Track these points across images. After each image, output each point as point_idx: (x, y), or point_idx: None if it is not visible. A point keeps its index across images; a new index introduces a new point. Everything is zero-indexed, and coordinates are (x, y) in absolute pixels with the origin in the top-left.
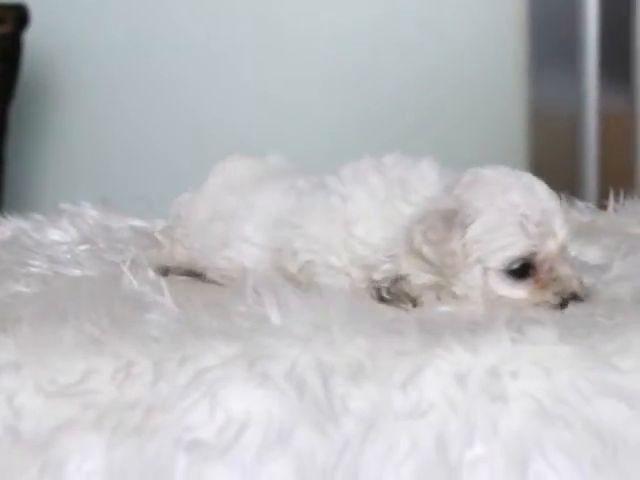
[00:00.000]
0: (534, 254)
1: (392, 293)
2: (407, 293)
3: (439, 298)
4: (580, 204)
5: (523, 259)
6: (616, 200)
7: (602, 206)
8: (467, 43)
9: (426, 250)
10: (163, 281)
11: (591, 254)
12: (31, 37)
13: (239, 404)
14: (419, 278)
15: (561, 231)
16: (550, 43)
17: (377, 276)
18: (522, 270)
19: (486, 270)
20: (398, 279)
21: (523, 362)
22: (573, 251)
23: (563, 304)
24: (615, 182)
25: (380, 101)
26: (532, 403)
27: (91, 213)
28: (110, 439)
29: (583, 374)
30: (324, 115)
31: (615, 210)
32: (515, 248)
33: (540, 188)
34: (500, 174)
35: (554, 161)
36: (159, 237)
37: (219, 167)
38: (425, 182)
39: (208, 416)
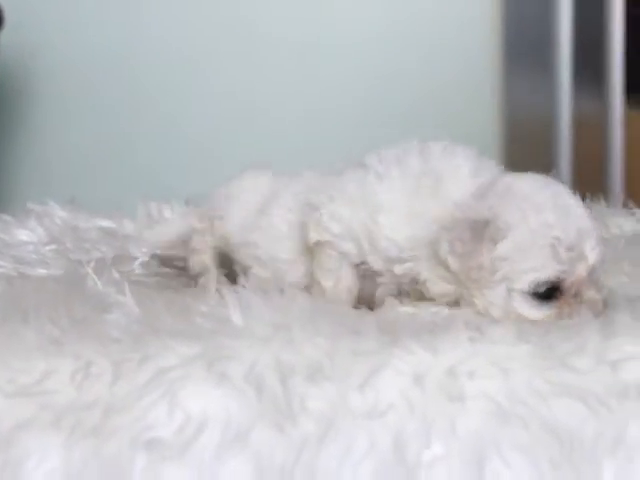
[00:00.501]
0: (563, 280)
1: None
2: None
3: None
4: None
5: (551, 283)
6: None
7: None
8: (440, 46)
9: (452, 261)
10: (126, 282)
11: None
12: (4, 38)
13: (198, 404)
14: (438, 287)
15: (592, 253)
16: (523, 47)
17: (398, 271)
18: (548, 293)
19: (511, 290)
20: (417, 280)
21: (481, 362)
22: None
23: None
24: (587, 184)
25: (353, 103)
26: (489, 403)
27: (59, 213)
28: (68, 439)
29: (540, 374)
30: (301, 117)
31: None
32: (544, 272)
33: (576, 207)
34: (537, 187)
35: (527, 164)
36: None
37: (239, 179)
38: (457, 178)
39: (167, 416)
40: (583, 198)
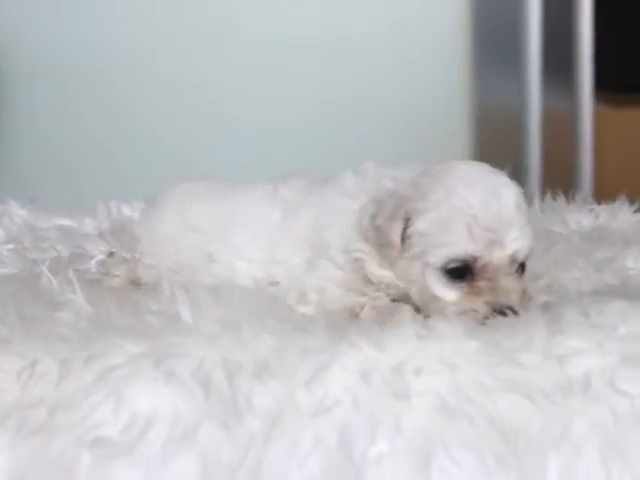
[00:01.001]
0: (475, 259)
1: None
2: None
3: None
4: None
5: (462, 261)
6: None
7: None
8: (409, 44)
9: (368, 234)
10: (77, 280)
11: None
12: None
13: (145, 402)
14: (377, 271)
15: (513, 243)
16: (493, 44)
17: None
18: (460, 272)
19: (426, 265)
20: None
21: (428, 358)
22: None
23: (493, 314)
24: (557, 181)
25: (325, 103)
26: (436, 399)
27: (19, 213)
28: (14, 438)
29: (487, 370)
30: (271, 119)
31: (541, 209)
32: (456, 248)
33: (508, 195)
34: (474, 171)
35: (497, 159)
36: (125, 255)
37: (178, 186)
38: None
39: (113, 414)
40: (548, 194)
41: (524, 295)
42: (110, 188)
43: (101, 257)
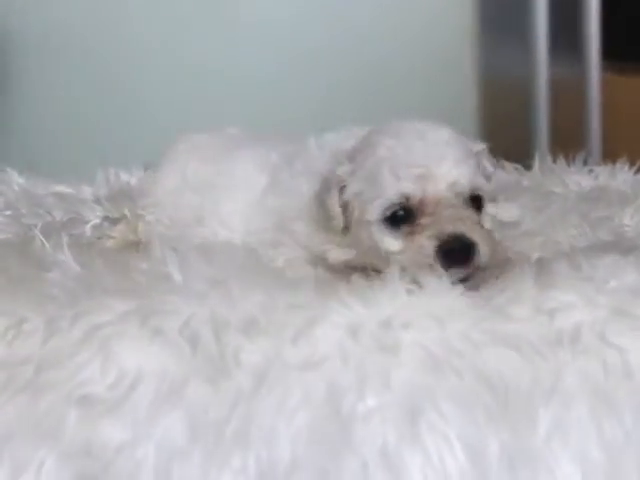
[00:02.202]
0: (408, 198)
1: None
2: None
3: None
4: (508, 165)
5: (396, 205)
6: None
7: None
8: (416, 13)
9: (315, 210)
10: (67, 242)
11: (507, 212)
12: None
13: (132, 359)
14: (336, 254)
15: (448, 175)
16: (500, 12)
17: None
18: (401, 218)
19: (367, 224)
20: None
21: (417, 313)
22: (492, 209)
23: (445, 250)
24: (565, 147)
25: (330, 70)
26: (424, 354)
27: (17, 180)
28: (0, 395)
29: (476, 324)
30: (267, 83)
31: (541, 171)
32: (386, 195)
33: (435, 134)
34: (405, 125)
35: (505, 128)
36: (127, 212)
37: (182, 139)
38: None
39: (100, 372)
40: (548, 157)
41: (480, 226)
42: (109, 155)
43: (96, 221)
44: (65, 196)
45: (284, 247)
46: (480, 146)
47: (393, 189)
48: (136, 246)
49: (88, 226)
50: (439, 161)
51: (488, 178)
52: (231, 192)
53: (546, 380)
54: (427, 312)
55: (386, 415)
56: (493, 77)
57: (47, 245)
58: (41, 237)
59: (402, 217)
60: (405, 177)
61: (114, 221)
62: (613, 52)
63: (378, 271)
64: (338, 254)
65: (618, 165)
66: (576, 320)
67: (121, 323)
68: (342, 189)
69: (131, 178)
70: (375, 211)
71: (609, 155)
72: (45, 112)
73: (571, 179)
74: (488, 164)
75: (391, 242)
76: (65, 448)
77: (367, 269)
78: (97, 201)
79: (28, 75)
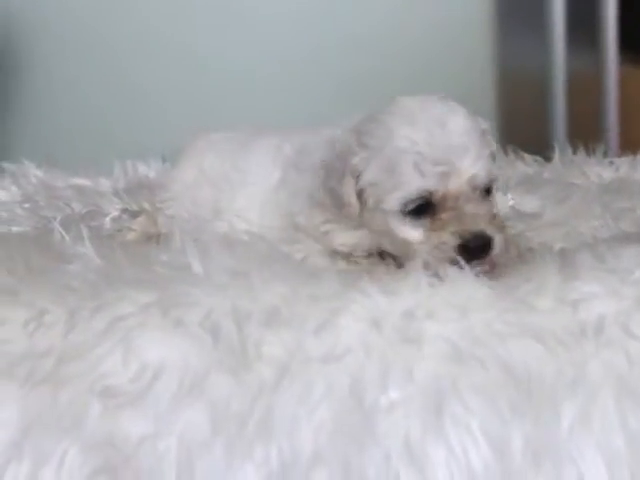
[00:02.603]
0: (431, 193)
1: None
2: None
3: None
4: (528, 157)
5: (418, 199)
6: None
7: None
8: (434, 5)
9: (325, 197)
10: (87, 233)
11: (529, 203)
12: None
13: (153, 351)
14: (340, 237)
15: (469, 169)
16: (517, 4)
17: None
18: (420, 210)
19: (385, 213)
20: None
21: (439, 304)
22: (511, 200)
23: (466, 246)
24: (582, 139)
25: (345, 63)
26: (447, 345)
27: (35, 173)
28: (22, 388)
29: (499, 315)
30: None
31: (562, 162)
32: (409, 189)
33: (454, 121)
34: (414, 105)
35: (523, 120)
36: (146, 206)
37: (200, 136)
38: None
39: (122, 363)
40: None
41: (495, 219)
42: (127, 148)
43: (115, 214)
44: (83, 189)
45: (298, 244)
46: (486, 124)
47: (416, 184)
48: (156, 238)
49: (107, 218)
50: (461, 156)
51: (493, 156)
52: (246, 187)
53: (570, 372)
54: (450, 303)
55: (409, 407)
56: (511, 70)
57: (67, 237)
58: (60, 229)
59: (424, 210)
60: (430, 175)
61: (133, 214)
62: (630, 44)
63: (394, 257)
64: (345, 238)
65: (639, 157)
66: (600, 311)
67: (142, 315)
68: (357, 177)
69: (149, 171)
70: (394, 202)
71: (626, 147)
72: (62, 105)
73: (592, 170)
74: (492, 141)
75: (411, 233)
76: (87, 440)
77: (382, 255)
78: (116, 194)
79: (46, 68)
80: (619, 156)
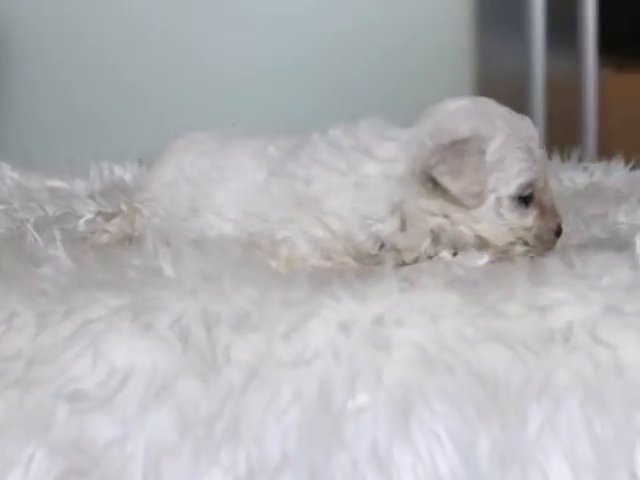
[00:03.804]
0: (536, 180)
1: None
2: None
3: (455, 254)
4: None
5: (531, 186)
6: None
7: None
8: (413, 6)
9: (450, 183)
10: (60, 236)
11: None
12: None
13: (122, 355)
14: (425, 223)
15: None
16: (496, 6)
17: (364, 241)
18: (529, 196)
19: (499, 199)
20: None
21: (409, 310)
22: None
23: (558, 232)
24: (561, 142)
25: (326, 68)
26: (416, 351)
27: (10, 174)
28: None
29: (468, 321)
30: (266, 75)
31: None
32: (528, 173)
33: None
34: (478, 102)
35: None
36: (123, 207)
37: (181, 136)
38: (381, 140)
39: (91, 367)
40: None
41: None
42: (103, 150)
43: (89, 216)
44: (59, 191)
45: (299, 223)
46: None
47: (532, 169)
48: (130, 240)
49: (81, 221)
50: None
51: None
52: (225, 182)
53: (538, 377)
54: (420, 309)
55: (377, 412)
56: (490, 73)
57: (39, 240)
58: (33, 232)
59: (532, 196)
60: (538, 159)
61: (107, 216)
62: (610, 48)
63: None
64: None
65: (613, 162)
66: (568, 317)
67: (112, 319)
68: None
69: (125, 173)
70: (515, 187)
71: (605, 152)
72: (39, 106)
73: (565, 176)
74: None
75: (523, 220)
76: (55, 443)
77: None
78: (91, 196)
79: (22, 69)
80: (597, 161)
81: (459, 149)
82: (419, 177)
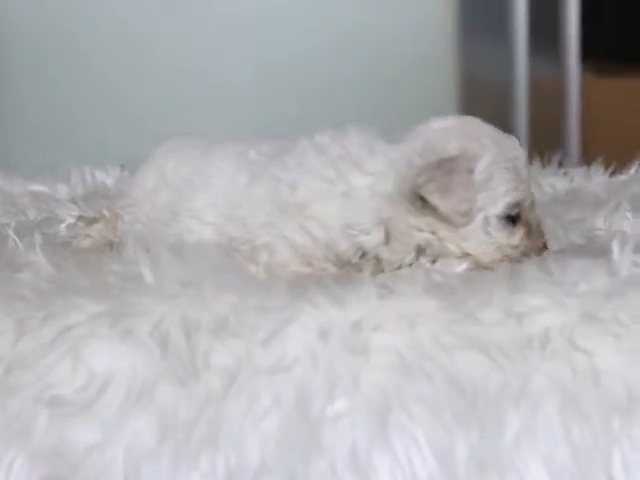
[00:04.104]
0: (523, 200)
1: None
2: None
3: (433, 261)
4: None
5: (519, 205)
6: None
7: None
8: (397, 11)
9: (439, 202)
10: (40, 242)
11: None
12: None
13: (101, 361)
14: (412, 239)
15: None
16: (480, 12)
17: (345, 250)
18: (516, 216)
19: (487, 219)
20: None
21: (387, 316)
22: None
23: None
24: (544, 148)
25: (312, 75)
26: (394, 357)
27: None
28: None
29: (446, 327)
30: (247, 76)
31: None
32: (515, 193)
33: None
34: (465, 121)
35: None
36: (105, 212)
37: (164, 142)
38: (370, 153)
39: (70, 373)
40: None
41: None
42: (86, 155)
43: (71, 221)
44: (40, 195)
45: (279, 228)
46: None
47: (518, 189)
48: (111, 246)
49: (62, 226)
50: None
51: None
52: (206, 187)
53: (515, 384)
54: (398, 315)
55: (355, 418)
56: (473, 78)
57: (20, 245)
58: (14, 237)
59: (519, 216)
60: (524, 179)
61: (89, 221)
62: (592, 53)
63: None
64: (416, 239)
65: (593, 168)
66: (545, 324)
67: (92, 324)
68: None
69: (107, 178)
70: (502, 207)
71: (587, 157)
72: (21, 111)
73: (546, 181)
74: None
75: (511, 238)
76: (34, 449)
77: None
78: (73, 200)
79: (4, 74)
80: (580, 166)
81: (448, 167)
82: (408, 195)
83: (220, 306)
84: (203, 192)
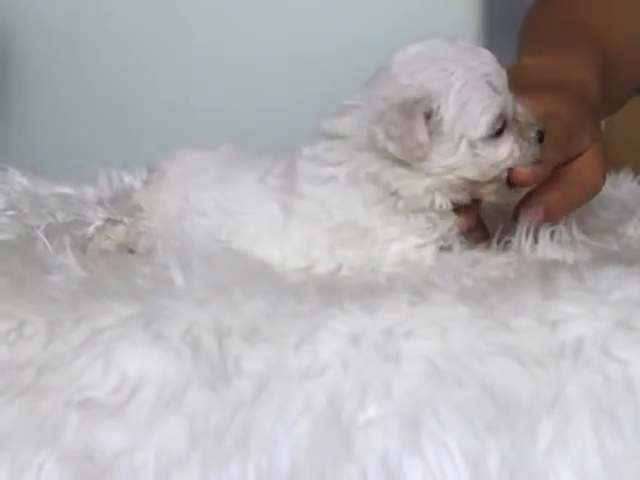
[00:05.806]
0: (504, 108)
1: None
2: None
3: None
4: None
5: (500, 115)
6: None
7: None
8: (419, 14)
9: (391, 147)
10: (70, 244)
11: None
12: None
13: (133, 364)
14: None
15: (504, 73)
16: (504, 14)
17: None
18: (502, 127)
19: (472, 143)
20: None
21: (419, 323)
22: None
23: (541, 132)
24: None
25: (328, 74)
26: (426, 364)
27: (19, 180)
28: (1, 398)
29: (478, 334)
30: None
31: None
32: (492, 108)
33: (471, 42)
34: (430, 45)
35: None
36: (125, 220)
37: (172, 158)
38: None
39: (101, 376)
40: None
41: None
42: (113, 156)
43: (99, 223)
44: (68, 197)
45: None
46: None
47: (497, 101)
48: (131, 250)
49: (91, 228)
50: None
51: None
52: (247, 217)
53: (547, 392)
54: (430, 321)
55: (387, 425)
56: None
57: (49, 247)
58: (44, 239)
59: (502, 127)
60: (500, 89)
61: (115, 223)
62: None
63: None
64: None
65: (622, 175)
66: (578, 332)
67: (123, 327)
68: (429, 116)
69: (134, 180)
70: (484, 127)
71: (612, 163)
72: (48, 112)
73: None
74: None
75: (502, 150)
76: (65, 452)
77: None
78: (100, 203)
79: (30, 75)
80: (608, 173)
81: (403, 113)
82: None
83: (251, 311)
84: (247, 221)
